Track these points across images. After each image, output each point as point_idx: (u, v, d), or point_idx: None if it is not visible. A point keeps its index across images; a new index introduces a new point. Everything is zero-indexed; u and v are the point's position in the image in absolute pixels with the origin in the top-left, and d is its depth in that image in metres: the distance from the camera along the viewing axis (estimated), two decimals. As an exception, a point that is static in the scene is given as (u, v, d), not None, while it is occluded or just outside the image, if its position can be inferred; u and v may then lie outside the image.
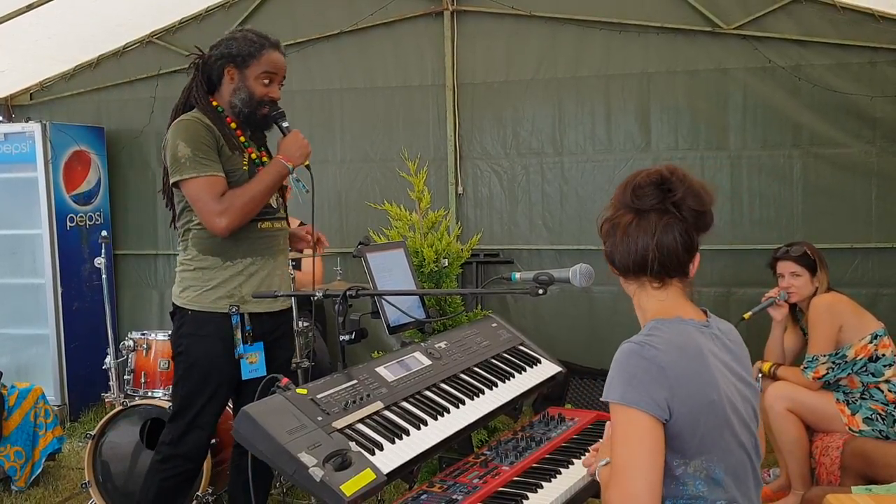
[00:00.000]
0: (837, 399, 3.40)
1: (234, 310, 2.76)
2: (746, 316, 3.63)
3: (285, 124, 2.88)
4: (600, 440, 1.99)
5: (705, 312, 1.82)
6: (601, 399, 1.68)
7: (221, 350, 2.78)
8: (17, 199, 5.36)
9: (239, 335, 2.78)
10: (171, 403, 3.05)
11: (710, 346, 1.71)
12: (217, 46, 2.84)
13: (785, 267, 3.57)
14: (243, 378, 2.82)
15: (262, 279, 2.85)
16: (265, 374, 2.82)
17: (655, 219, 1.71)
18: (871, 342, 3.35)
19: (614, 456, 1.62)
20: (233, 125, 2.85)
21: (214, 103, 2.85)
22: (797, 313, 3.73)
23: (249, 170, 2.82)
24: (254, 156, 2.87)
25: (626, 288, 1.84)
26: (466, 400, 2.37)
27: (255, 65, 2.80)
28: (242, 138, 2.86)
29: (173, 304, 2.88)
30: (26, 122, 5.37)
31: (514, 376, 2.64)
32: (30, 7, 4.61)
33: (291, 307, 3.13)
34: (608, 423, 1.99)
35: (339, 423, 1.98)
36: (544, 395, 2.97)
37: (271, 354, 2.91)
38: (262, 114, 2.85)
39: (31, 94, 5.96)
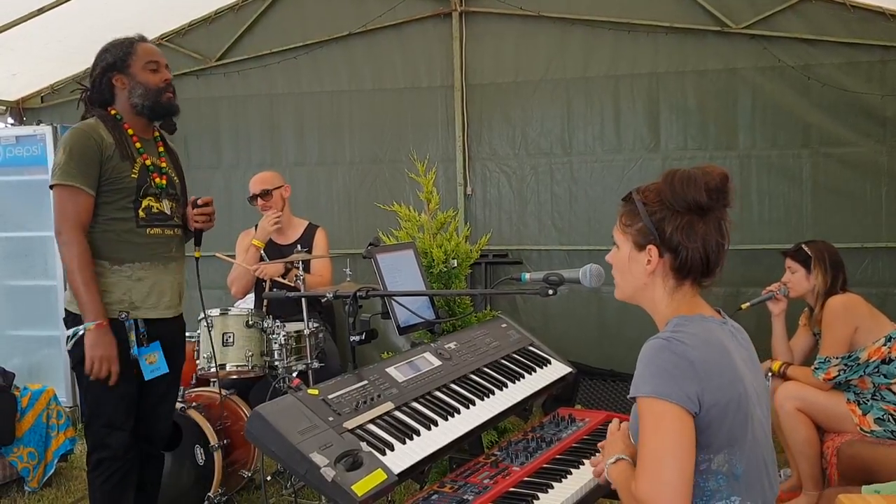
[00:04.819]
0: (848, 399, 3.38)
1: (123, 315, 2.74)
2: (744, 306, 3.67)
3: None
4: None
5: (719, 311, 1.84)
6: (629, 396, 1.69)
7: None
8: (29, 201, 5.39)
9: (133, 337, 2.75)
10: (82, 413, 3.00)
11: (731, 343, 1.75)
12: (93, 69, 2.91)
13: (786, 262, 3.62)
14: (145, 378, 2.80)
15: (152, 285, 2.83)
16: (167, 370, 2.84)
17: (719, 216, 1.74)
18: (885, 344, 3.32)
19: (643, 447, 1.63)
20: (129, 131, 2.86)
21: (113, 112, 2.88)
22: (811, 314, 3.71)
23: (139, 178, 2.81)
24: (148, 162, 2.85)
25: (638, 281, 1.86)
26: (476, 400, 2.37)
27: (135, 60, 2.86)
28: (138, 144, 2.86)
29: (66, 310, 2.82)
30: (37, 124, 5.40)
31: (524, 377, 2.64)
32: (40, 11, 4.64)
33: (181, 315, 3.03)
34: (614, 420, 2.01)
35: (351, 424, 1.99)
36: (554, 395, 2.96)
37: (168, 358, 2.88)
38: (168, 98, 2.88)
39: (41, 97, 5.99)
